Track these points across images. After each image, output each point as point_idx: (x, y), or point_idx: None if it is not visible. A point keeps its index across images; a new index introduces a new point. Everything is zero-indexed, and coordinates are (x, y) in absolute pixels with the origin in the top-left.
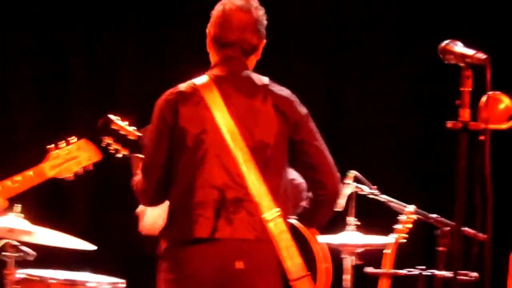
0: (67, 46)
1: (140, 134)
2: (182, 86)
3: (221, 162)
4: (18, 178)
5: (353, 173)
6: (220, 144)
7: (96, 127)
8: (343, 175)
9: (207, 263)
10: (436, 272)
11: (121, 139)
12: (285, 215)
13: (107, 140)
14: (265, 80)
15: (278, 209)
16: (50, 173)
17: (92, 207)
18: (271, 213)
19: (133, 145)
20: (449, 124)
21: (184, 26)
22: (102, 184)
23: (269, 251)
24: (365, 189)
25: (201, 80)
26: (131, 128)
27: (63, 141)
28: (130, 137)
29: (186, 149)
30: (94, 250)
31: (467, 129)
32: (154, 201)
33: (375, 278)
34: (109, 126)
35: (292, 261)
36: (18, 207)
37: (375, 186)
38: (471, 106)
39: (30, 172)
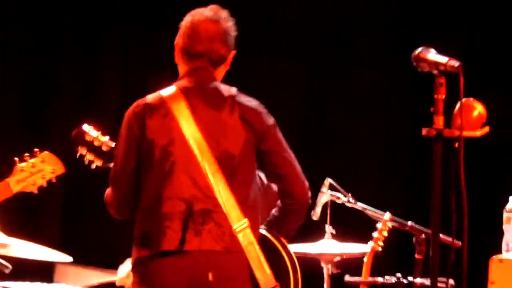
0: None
1: (113, 144)
2: (150, 98)
3: (189, 173)
4: None
5: (328, 181)
6: (187, 155)
7: (70, 138)
8: (320, 183)
9: (177, 276)
10: (413, 279)
11: (95, 149)
12: (253, 226)
13: (81, 150)
14: (232, 91)
15: (246, 219)
16: (16, 188)
17: (66, 218)
18: (239, 224)
19: (107, 156)
20: (424, 131)
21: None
22: (76, 194)
23: (239, 262)
24: (341, 197)
25: (168, 91)
26: (105, 139)
27: (28, 154)
28: (103, 148)
29: (154, 160)
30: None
31: (441, 136)
32: (121, 213)
33: (351, 286)
34: (83, 137)
35: (262, 272)
36: None
37: (349, 194)
38: (445, 113)
39: None
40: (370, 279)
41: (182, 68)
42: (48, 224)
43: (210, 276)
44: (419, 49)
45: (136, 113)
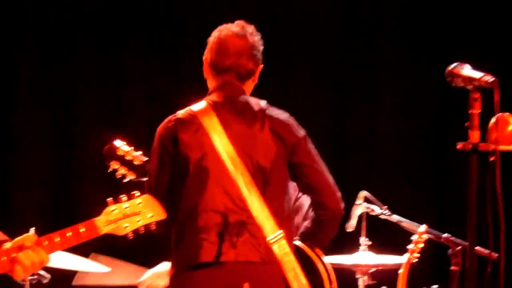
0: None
1: (146, 159)
2: (180, 113)
3: (223, 186)
4: (68, 233)
5: (363, 193)
6: (220, 169)
7: (102, 153)
8: (354, 196)
9: (213, 287)
10: None
11: (128, 164)
12: (288, 237)
13: (114, 165)
14: (262, 104)
15: (280, 231)
16: (105, 229)
17: None
18: (274, 236)
19: (140, 170)
20: (459, 145)
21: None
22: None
23: (275, 273)
24: (376, 210)
25: (199, 106)
26: (137, 153)
27: (125, 195)
28: (135, 162)
29: (188, 175)
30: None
31: (477, 151)
32: (160, 229)
33: None
34: (115, 152)
35: (298, 282)
36: (32, 230)
37: (386, 206)
38: (480, 127)
39: (82, 228)
40: None
41: (211, 83)
42: None
43: (246, 287)
44: (453, 65)
45: (168, 128)
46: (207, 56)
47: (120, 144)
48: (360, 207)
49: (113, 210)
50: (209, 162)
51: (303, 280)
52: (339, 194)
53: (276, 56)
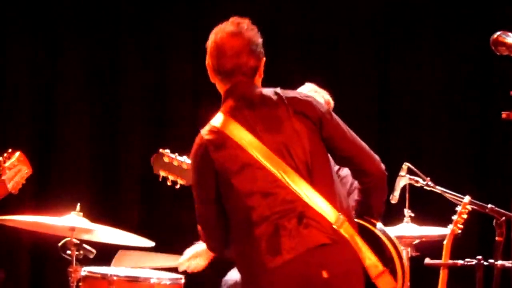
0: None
1: None
2: (205, 134)
3: (270, 190)
4: None
5: (407, 165)
6: (263, 173)
7: (151, 164)
8: (398, 167)
9: (290, 282)
10: (494, 262)
11: (176, 169)
12: (349, 218)
13: (162, 173)
14: (277, 90)
15: (341, 214)
16: (9, 186)
17: (145, 204)
18: (336, 220)
19: (189, 173)
20: (504, 114)
21: None
22: (154, 179)
23: (348, 253)
24: (420, 181)
25: (219, 119)
26: (182, 158)
27: (6, 153)
28: (184, 167)
29: (232, 188)
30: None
31: None
32: (216, 248)
33: (431, 269)
34: (162, 159)
35: (370, 260)
36: (77, 206)
37: (428, 178)
38: None
39: None
40: (450, 261)
41: (220, 87)
42: (129, 210)
43: (325, 274)
44: (498, 33)
45: (200, 153)
46: (208, 61)
47: (165, 152)
48: (403, 179)
49: (8, 168)
50: (250, 170)
51: (373, 257)
52: (377, 157)
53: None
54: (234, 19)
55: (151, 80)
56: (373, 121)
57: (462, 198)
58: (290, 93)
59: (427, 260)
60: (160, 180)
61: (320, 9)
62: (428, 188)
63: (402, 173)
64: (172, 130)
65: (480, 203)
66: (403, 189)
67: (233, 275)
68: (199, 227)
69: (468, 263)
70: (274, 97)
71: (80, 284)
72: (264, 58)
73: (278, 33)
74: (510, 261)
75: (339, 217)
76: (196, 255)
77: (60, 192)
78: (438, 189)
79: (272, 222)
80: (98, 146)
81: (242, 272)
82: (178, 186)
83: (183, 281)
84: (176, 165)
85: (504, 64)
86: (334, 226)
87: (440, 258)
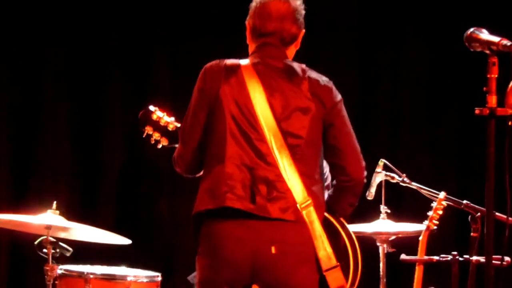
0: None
1: (178, 125)
2: (229, 61)
3: (253, 143)
4: None
5: (383, 161)
6: (253, 126)
7: (138, 118)
8: (374, 164)
9: (239, 245)
10: (469, 257)
11: (161, 129)
12: (317, 206)
13: (148, 131)
14: (302, 66)
15: (309, 198)
16: None
17: (121, 201)
18: (302, 202)
19: (173, 135)
20: (477, 110)
21: None
22: (131, 177)
23: (304, 237)
24: (396, 177)
25: (244, 61)
26: (170, 119)
27: None
28: (169, 128)
29: (221, 123)
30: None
31: (494, 115)
32: (190, 169)
33: (407, 264)
34: (150, 116)
35: (324, 251)
36: (53, 204)
37: (404, 174)
38: (498, 93)
39: None
40: (425, 257)
41: (253, 48)
42: (105, 208)
43: (273, 249)
44: (471, 29)
45: (215, 72)
46: (249, 21)
47: (154, 109)
48: (379, 175)
49: None
50: (243, 117)
51: (329, 249)
52: (363, 163)
53: None
54: None
55: (132, 83)
56: (351, 116)
57: (438, 194)
58: (313, 73)
59: (403, 256)
60: (143, 136)
61: None
62: (404, 185)
63: (378, 169)
64: None
65: (455, 199)
66: (379, 185)
67: None
68: (177, 149)
69: (444, 259)
70: (298, 70)
71: (57, 282)
72: (304, 30)
73: None
74: (485, 257)
75: (306, 200)
76: None
77: (36, 190)
78: (414, 185)
79: (244, 173)
80: (75, 144)
81: (200, 197)
82: (160, 146)
83: (159, 279)
84: (162, 125)
85: (479, 60)
86: (298, 206)
87: (416, 254)
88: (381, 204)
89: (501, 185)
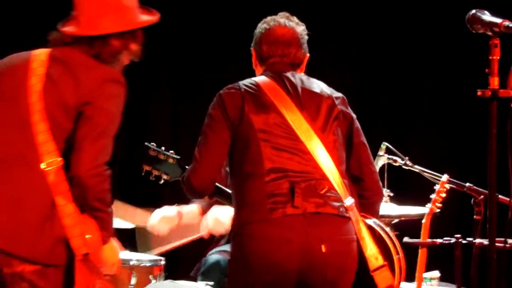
0: None
1: (178, 157)
2: (243, 82)
3: (290, 149)
4: None
5: (385, 144)
6: (290, 133)
7: (134, 156)
8: (376, 148)
9: (289, 247)
10: (472, 240)
11: (161, 164)
12: (356, 205)
13: (146, 168)
14: (315, 80)
15: (352, 197)
16: None
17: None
18: (348, 201)
19: (173, 169)
20: (479, 92)
21: None
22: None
23: (352, 234)
24: (399, 160)
25: (259, 78)
26: (169, 152)
27: None
28: (170, 161)
29: (253, 139)
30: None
31: (496, 97)
32: (204, 187)
33: (410, 247)
34: (147, 153)
35: (371, 251)
36: None
37: (407, 157)
38: (500, 74)
39: None
40: (429, 240)
41: (262, 69)
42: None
43: (323, 248)
44: (473, 11)
45: (233, 94)
46: (255, 47)
47: (151, 145)
48: (382, 158)
49: None
50: (278, 128)
51: (374, 249)
52: (380, 182)
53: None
54: (284, 14)
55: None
56: (351, 99)
57: (440, 177)
58: (335, 92)
59: (406, 239)
60: (143, 174)
61: None
62: (406, 168)
63: (380, 153)
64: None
65: (458, 182)
66: (382, 168)
67: (214, 257)
68: (189, 169)
69: (447, 242)
70: (322, 85)
71: None
72: (308, 55)
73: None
74: (488, 240)
75: (350, 200)
76: (161, 220)
77: None
78: (417, 168)
79: (287, 177)
80: None
81: (238, 210)
82: (161, 182)
83: (163, 263)
84: (161, 159)
85: (480, 42)
86: (345, 204)
87: (419, 237)
88: (384, 187)
89: (504, 167)
